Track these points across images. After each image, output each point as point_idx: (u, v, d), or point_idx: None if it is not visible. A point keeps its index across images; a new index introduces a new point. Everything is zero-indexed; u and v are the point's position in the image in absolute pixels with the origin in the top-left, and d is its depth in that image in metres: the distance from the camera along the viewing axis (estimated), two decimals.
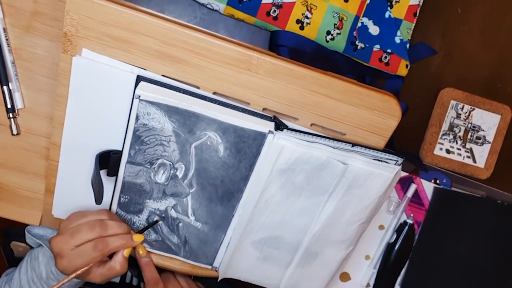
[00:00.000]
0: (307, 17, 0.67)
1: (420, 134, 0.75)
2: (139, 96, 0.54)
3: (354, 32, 0.69)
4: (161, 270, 0.65)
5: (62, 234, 0.56)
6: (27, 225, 0.67)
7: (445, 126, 0.74)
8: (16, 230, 0.69)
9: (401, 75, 0.71)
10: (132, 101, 0.55)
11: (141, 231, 0.61)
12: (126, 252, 0.58)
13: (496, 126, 0.75)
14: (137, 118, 0.56)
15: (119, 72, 0.56)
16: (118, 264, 0.58)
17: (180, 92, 0.56)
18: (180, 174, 0.60)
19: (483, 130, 0.75)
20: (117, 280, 0.74)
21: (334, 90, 0.58)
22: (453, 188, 0.75)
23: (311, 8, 0.67)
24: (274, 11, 0.66)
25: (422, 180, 0.74)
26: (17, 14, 0.62)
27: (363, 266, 0.76)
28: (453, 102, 0.74)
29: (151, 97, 0.55)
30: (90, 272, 0.57)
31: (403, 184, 0.74)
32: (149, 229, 0.64)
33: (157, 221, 0.63)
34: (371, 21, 0.69)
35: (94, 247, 0.55)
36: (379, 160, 0.59)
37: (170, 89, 0.56)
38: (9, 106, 0.63)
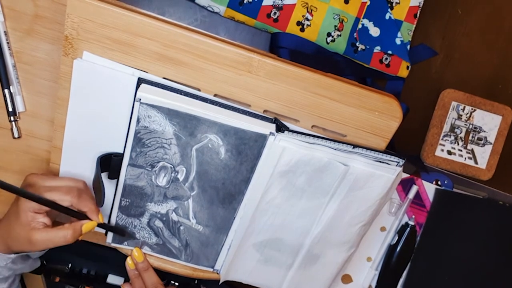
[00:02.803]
0: (307, 19, 0.67)
1: (421, 135, 0.75)
2: (140, 99, 0.55)
3: (355, 34, 0.69)
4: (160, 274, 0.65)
5: (37, 178, 0.54)
6: None
7: (446, 127, 0.74)
8: None
9: (402, 76, 0.71)
10: (133, 104, 0.55)
11: (106, 227, 0.59)
12: (85, 227, 0.54)
13: (497, 127, 0.75)
14: (138, 120, 0.56)
15: (120, 74, 0.56)
16: (71, 229, 0.53)
17: (181, 94, 0.56)
18: (181, 177, 0.60)
19: (484, 131, 0.75)
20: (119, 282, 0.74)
21: (335, 91, 0.58)
22: (454, 190, 0.75)
23: (311, 10, 0.67)
24: (275, 13, 0.66)
25: (424, 182, 0.74)
26: (18, 18, 0.62)
27: (365, 268, 0.76)
28: (454, 103, 0.74)
29: (152, 100, 0.55)
30: (34, 229, 0.53)
31: (405, 186, 0.74)
32: (151, 232, 0.64)
33: (123, 231, 0.62)
34: (371, 22, 0.69)
35: (68, 191, 0.53)
36: (380, 162, 0.59)
37: (171, 91, 0.56)
38: (10, 109, 0.63)
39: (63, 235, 0.53)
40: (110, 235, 0.64)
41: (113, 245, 0.65)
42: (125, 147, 0.58)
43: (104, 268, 0.69)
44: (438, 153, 0.74)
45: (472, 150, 0.75)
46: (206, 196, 0.61)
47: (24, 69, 0.63)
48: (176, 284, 0.70)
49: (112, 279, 0.71)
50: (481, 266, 0.76)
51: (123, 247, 0.65)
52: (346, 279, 0.76)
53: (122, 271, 0.69)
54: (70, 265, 0.64)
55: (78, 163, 0.60)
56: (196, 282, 0.71)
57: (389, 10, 0.69)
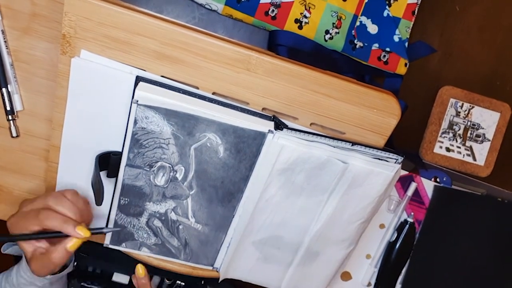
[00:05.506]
0: (305, 17, 0.67)
1: (419, 132, 0.75)
2: (137, 101, 0.54)
3: (353, 31, 0.69)
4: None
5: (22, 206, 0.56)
6: None
7: (444, 124, 0.74)
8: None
9: (400, 73, 0.71)
10: (131, 104, 0.55)
11: (93, 230, 0.54)
12: (70, 246, 0.52)
13: (495, 123, 0.75)
14: (135, 122, 0.56)
15: (118, 73, 0.55)
16: (56, 252, 0.52)
17: (179, 92, 0.56)
18: (179, 176, 0.60)
19: (483, 128, 0.75)
20: None
21: (333, 89, 0.58)
22: (453, 186, 0.75)
23: (309, 8, 0.67)
24: (273, 10, 0.66)
25: (422, 179, 0.74)
26: (16, 16, 0.61)
27: (364, 265, 0.76)
28: (452, 100, 0.74)
29: (150, 99, 0.55)
30: (32, 258, 0.54)
31: (403, 183, 0.74)
32: (149, 232, 0.64)
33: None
34: (369, 20, 0.69)
35: (36, 214, 0.52)
36: (379, 159, 0.59)
37: (169, 89, 0.56)
38: (8, 108, 0.63)
39: (57, 257, 0.53)
40: (108, 236, 0.64)
41: (111, 246, 0.65)
42: (123, 147, 0.58)
43: (109, 267, 0.70)
44: (436, 150, 0.74)
45: (471, 147, 0.75)
46: (205, 195, 0.61)
47: (21, 68, 0.63)
48: (183, 284, 0.71)
49: (117, 277, 0.71)
50: (479, 263, 0.76)
51: (122, 249, 0.65)
52: (346, 276, 0.76)
53: (127, 270, 0.70)
54: (75, 263, 0.64)
55: (76, 161, 0.60)
56: (202, 282, 0.71)
57: (387, 7, 0.69)
